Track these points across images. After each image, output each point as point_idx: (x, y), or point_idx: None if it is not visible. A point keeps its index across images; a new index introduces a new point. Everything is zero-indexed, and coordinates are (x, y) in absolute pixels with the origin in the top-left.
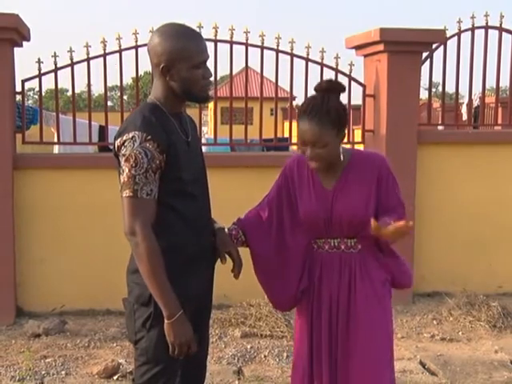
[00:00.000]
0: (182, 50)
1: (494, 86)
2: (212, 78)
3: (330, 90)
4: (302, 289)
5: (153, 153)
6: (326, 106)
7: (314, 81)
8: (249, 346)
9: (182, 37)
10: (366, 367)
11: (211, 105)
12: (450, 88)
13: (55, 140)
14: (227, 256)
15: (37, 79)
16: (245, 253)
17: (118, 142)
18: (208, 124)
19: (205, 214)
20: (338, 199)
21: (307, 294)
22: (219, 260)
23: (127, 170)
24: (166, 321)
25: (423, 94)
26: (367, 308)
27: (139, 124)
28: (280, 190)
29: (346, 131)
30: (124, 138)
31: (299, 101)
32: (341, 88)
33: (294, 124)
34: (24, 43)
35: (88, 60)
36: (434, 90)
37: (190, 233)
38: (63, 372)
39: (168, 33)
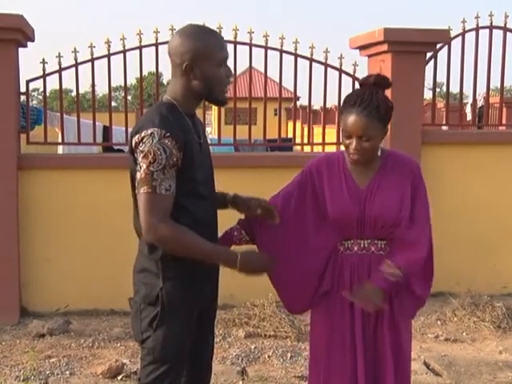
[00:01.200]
0: (204, 49)
1: (499, 86)
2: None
3: (378, 84)
4: (322, 292)
5: (171, 149)
6: (376, 100)
7: (318, 81)
8: (253, 347)
9: (204, 36)
10: (387, 367)
11: None
12: (455, 88)
13: (59, 140)
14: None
15: (41, 80)
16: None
17: (135, 139)
18: (212, 124)
19: (213, 214)
20: (372, 198)
21: (330, 296)
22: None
23: (145, 167)
24: (237, 270)
25: (427, 94)
26: (392, 311)
27: (158, 121)
28: (303, 189)
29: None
30: (142, 134)
31: (303, 101)
32: (388, 83)
33: (298, 124)
34: (28, 44)
35: (92, 60)
36: (438, 90)
37: (201, 233)
38: (67, 372)
39: (190, 33)
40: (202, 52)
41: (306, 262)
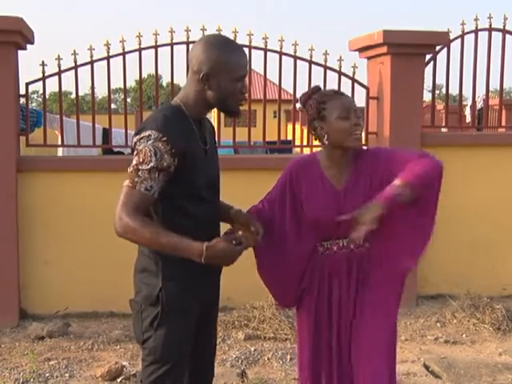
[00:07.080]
0: (225, 62)
1: (498, 88)
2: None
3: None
4: (302, 287)
5: (162, 154)
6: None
7: (317, 83)
8: (252, 349)
9: (226, 49)
10: (367, 363)
11: None
12: (454, 90)
13: (59, 143)
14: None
15: (41, 82)
16: (249, 255)
17: (135, 139)
18: None
19: (215, 218)
20: (348, 198)
21: (312, 294)
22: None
23: (134, 163)
24: (202, 261)
25: (426, 96)
26: (375, 300)
27: (158, 124)
28: (284, 192)
29: None
30: (142, 135)
31: None
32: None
33: (298, 126)
34: (28, 46)
35: (92, 63)
36: (437, 92)
37: (202, 235)
38: (67, 374)
39: (214, 43)
40: (222, 65)
41: (288, 263)
